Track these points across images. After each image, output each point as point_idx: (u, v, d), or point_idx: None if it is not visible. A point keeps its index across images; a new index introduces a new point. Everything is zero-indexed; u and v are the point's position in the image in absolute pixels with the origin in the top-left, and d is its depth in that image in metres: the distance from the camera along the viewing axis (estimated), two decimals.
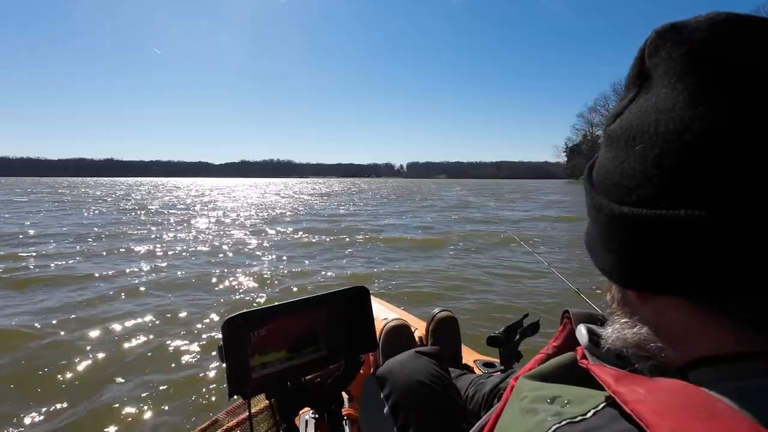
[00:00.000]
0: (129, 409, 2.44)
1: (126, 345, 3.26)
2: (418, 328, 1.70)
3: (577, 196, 27.00)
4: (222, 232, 9.43)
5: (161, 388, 2.65)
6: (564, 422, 0.33)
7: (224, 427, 1.10)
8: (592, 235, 0.38)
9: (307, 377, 0.89)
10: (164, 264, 6.04)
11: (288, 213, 14.28)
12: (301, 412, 0.94)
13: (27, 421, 2.33)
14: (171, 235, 8.99)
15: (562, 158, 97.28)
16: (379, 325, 1.27)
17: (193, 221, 11.50)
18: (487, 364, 1.50)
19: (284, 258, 6.57)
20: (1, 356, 3.03)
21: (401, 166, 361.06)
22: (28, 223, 10.69)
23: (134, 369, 2.90)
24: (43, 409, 2.42)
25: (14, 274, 5.28)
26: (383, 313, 1.47)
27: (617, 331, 0.37)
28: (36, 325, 3.62)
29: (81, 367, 2.92)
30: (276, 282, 5.12)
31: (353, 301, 0.93)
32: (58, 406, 2.46)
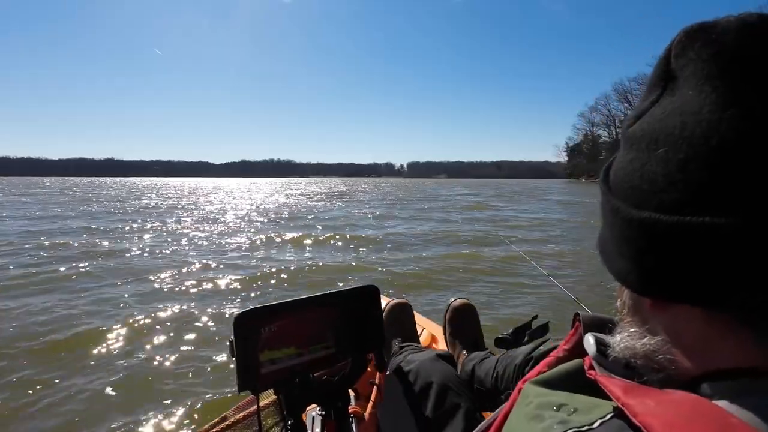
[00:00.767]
0: (139, 405, 2.46)
1: (136, 341, 3.30)
2: (426, 327, 1.71)
3: (581, 196, 26.99)
4: (233, 231, 9.47)
5: (171, 383, 2.68)
6: (570, 431, 0.33)
7: (231, 420, 1.11)
8: (606, 238, 0.37)
9: (314, 374, 0.89)
10: (177, 261, 6.12)
11: (297, 215, 14.22)
12: (308, 408, 0.95)
13: (40, 416, 2.35)
14: (185, 234, 9.05)
15: (563, 158, 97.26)
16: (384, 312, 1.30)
17: (206, 222, 11.48)
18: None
19: (295, 257, 6.58)
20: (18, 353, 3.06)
21: (402, 165, 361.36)
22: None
23: (144, 364, 2.93)
24: (50, 406, 2.44)
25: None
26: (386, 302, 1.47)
27: (626, 340, 0.37)
28: (41, 320, 3.63)
29: (91, 361, 2.95)
30: (287, 280, 5.17)
31: (363, 300, 0.94)
32: (67, 401, 2.48)
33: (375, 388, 1.48)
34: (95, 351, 3.14)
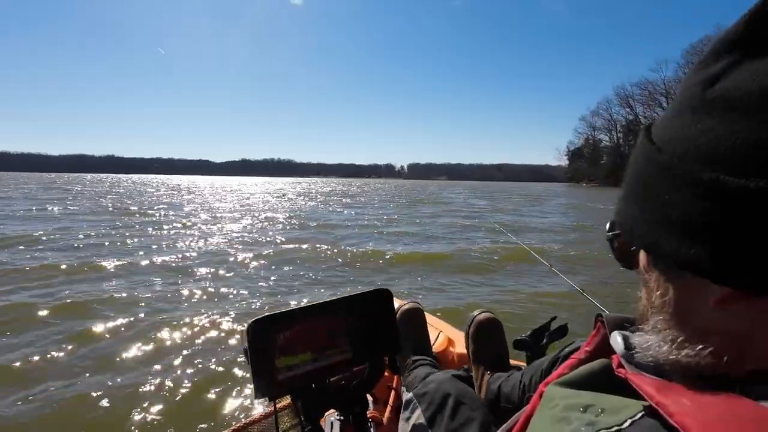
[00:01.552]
0: (156, 413, 2.44)
1: (151, 348, 3.27)
2: (442, 330, 1.69)
3: (584, 200, 26.87)
4: (245, 236, 9.33)
5: (188, 392, 2.66)
6: None
7: (247, 421, 1.13)
8: (656, 216, 0.32)
9: (331, 379, 0.89)
10: (186, 266, 6.05)
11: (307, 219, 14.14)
12: (326, 413, 0.96)
13: (54, 417, 2.35)
14: (195, 238, 8.90)
15: (564, 161, 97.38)
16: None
17: (224, 224, 11.30)
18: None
19: (306, 264, 6.49)
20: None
21: (402, 167, 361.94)
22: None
23: (160, 373, 2.90)
24: (67, 410, 2.43)
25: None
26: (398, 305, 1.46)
27: (663, 347, 0.34)
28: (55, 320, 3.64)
29: (106, 368, 2.93)
30: (299, 286, 5.13)
31: (376, 304, 0.93)
32: (83, 407, 2.47)
33: (393, 392, 1.46)
34: (108, 355, 3.13)
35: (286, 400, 1.10)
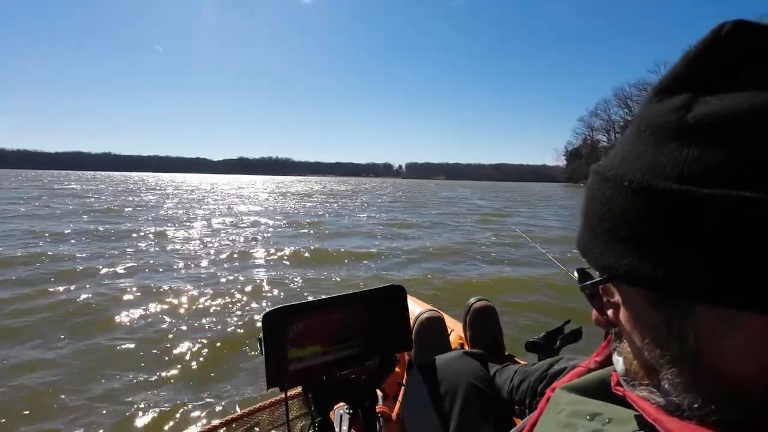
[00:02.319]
0: (168, 399, 2.52)
1: (166, 337, 3.37)
2: (454, 329, 1.68)
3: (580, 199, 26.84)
4: (256, 233, 9.37)
5: (200, 380, 2.76)
6: None
7: (257, 406, 1.14)
8: (666, 253, 0.29)
9: (342, 373, 0.90)
10: (202, 259, 6.15)
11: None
12: (336, 406, 0.95)
13: (68, 408, 2.40)
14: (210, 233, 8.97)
15: (562, 162, 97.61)
16: (412, 320, 1.26)
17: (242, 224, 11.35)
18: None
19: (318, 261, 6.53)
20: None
21: (400, 166, 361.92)
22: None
23: (173, 361, 3.00)
24: (77, 400, 2.48)
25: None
26: (417, 309, 1.44)
27: (694, 411, 0.30)
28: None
29: (119, 357, 3.03)
30: (313, 281, 5.21)
31: (389, 300, 0.94)
32: (96, 395, 2.56)
33: (403, 388, 1.45)
34: (123, 345, 3.19)
35: (297, 391, 1.11)
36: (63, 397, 2.53)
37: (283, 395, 0.84)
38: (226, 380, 2.74)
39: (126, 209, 13.64)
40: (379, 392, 1.01)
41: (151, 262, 5.88)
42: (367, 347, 0.91)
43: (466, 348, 1.49)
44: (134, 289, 4.55)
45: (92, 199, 17.27)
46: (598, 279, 0.36)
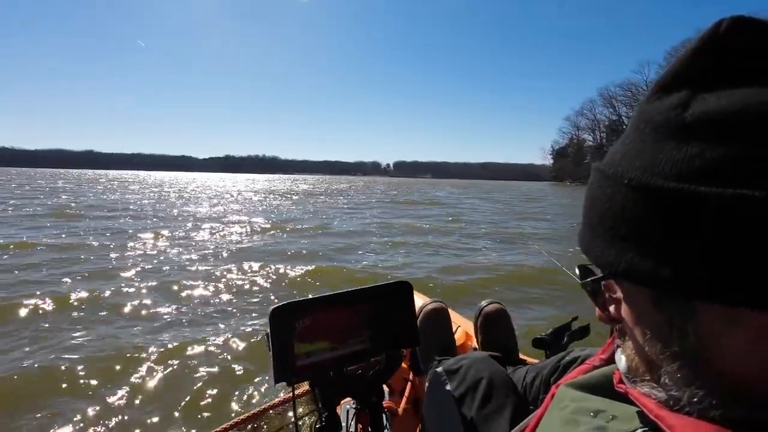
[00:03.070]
0: (176, 398, 2.52)
1: (175, 335, 3.37)
2: (461, 325, 1.67)
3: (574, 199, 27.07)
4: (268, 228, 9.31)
5: (209, 377, 2.77)
6: None
7: (266, 405, 1.15)
8: (667, 250, 0.29)
9: (349, 368, 0.90)
10: (210, 256, 6.15)
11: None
12: (342, 402, 0.96)
13: (83, 410, 2.39)
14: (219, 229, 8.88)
15: (548, 161, 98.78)
16: (417, 312, 1.28)
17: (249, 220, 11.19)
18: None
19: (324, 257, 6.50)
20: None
21: (388, 164, 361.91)
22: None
23: (182, 359, 3.00)
24: (86, 399, 2.50)
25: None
26: (422, 302, 1.44)
27: (693, 407, 0.30)
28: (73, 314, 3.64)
29: (126, 356, 3.00)
30: (319, 276, 5.25)
31: (396, 296, 0.94)
32: (103, 394, 2.55)
33: (409, 384, 1.46)
34: (128, 343, 3.20)
35: (304, 387, 1.11)
36: (67, 399, 2.51)
37: (290, 392, 0.85)
38: (234, 380, 2.76)
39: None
40: (385, 387, 1.01)
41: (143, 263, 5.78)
42: (374, 343, 0.92)
43: (475, 346, 1.49)
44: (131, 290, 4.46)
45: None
46: (599, 276, 0.37)
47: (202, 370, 2.85)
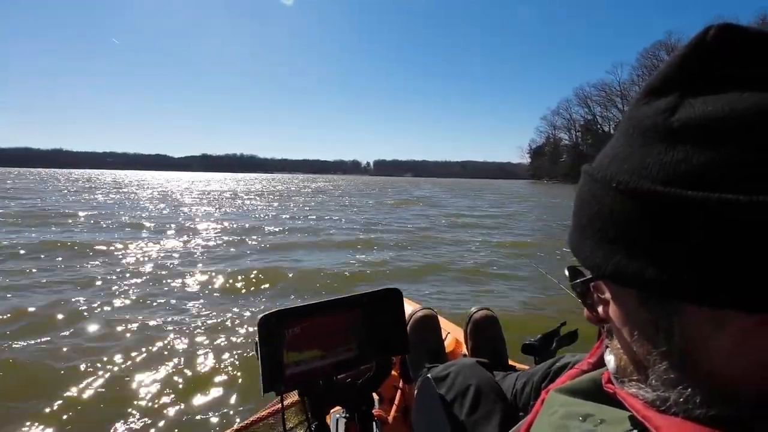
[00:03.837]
0: (166, 408, 2.47)
1: (161, 344, 3.30)
2: (450, 331, 1.67)
3: (544, 197, 27.49)
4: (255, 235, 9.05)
5: (197, 386, 2.74)
6: None
7: (256, 417, 1.14)
8: (654, 252, 0.29)
9: (338, 377, 0.89)
10: (197, 261, 6.05)
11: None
12: (332, 411, 0.95)
13: (70, 414, 2.38)
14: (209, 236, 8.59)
15: (526, 159, 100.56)
16: (407, 319, 1.26)
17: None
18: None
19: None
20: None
21: (368, 163, 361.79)
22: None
23: (170, 368, 2.95)
24: (73, 406, 2.45)
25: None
26: (411, 308, 1.43)
27: (679, 406, 0.30)
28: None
29: (114, 366, 2.94)
30: (310, 282, 5.20)
31: (386, 303, 0.94)
32: (91, 403, 2.51)
33: (399, 392, 1.45)
34: (116, 351, 3.13)
35: (293, 397, 1.10)
36: (39, 402, 2.46)
37: (279, 401, 0.84)
38: (220, 391, 2.71)
39: None
40: (375, 396, 1.02)
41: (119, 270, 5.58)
42: (364, 350, 0.91)
43: (465, 352, 1.49)
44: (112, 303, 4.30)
45: None
46: (588, 278, 0.38)
47: (187, 382, 2.79)
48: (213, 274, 5.36)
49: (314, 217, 13.16)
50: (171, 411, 2.46)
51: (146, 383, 2.76)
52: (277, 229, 9.91)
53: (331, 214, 14.02)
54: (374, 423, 0.95)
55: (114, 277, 5.03)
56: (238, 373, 2.91)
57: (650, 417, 0.30)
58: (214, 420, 2.40)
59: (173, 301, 4.34)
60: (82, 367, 2.90)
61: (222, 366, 3.01)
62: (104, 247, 6.78)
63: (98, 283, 4.82)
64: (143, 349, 3.21)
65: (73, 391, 2.64)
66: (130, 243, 7.30)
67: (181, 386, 2.74)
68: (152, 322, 3.74)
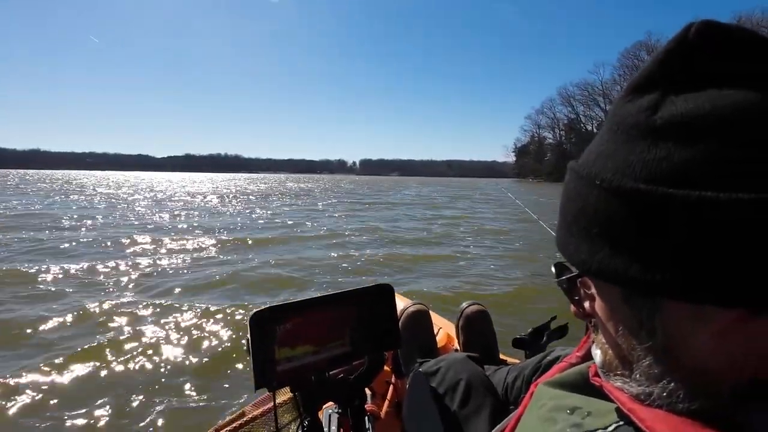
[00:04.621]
0: (156, 402, 2.48)
1: (152, 339, 3.30)
2: (442, 326, 1.68)
3: (527, 195, 27.70)
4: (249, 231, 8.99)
5: (189, 381, 2.73)
6: None
7: (249, 417, 1.13)
8: (637, 249, 0.29)
9: (330, 372, 0.90)
10: (189, 260, 5.98)
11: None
12: (324, 406, 0.96)
13: (63, 418, 2.34)
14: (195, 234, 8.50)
15: (511, 158, 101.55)
16: (399, 314, 1.28)
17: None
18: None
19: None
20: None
21: (354, 162, 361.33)
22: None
23: (161, 364, 2.95)
24: (67, 406, 2.45)
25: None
26: (403, 304, 1.44)
27: (663, 399, 0.31)
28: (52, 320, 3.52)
29: (106, 363, 2.93)
30: (300, 279, 5.21)
31: (378, 299, 0.94)
32: (86, 402, 2.48)
33: (391, 387, 1.45)
34: (109, 350, 3.11)
35: (285, 393, 1.10)
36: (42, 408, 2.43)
37: (271, 397, 0.84)
38: (212, 387, 2.70)
39: None
40: (367, 391, 1.02)
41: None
42: (356, 346, 0.92)
43: (457, 347, 1.50)
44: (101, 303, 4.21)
45: None
46: (573, 274, 0.39)
47: (178, 379, 2.77)
48: (202, 273, 5.32)
49: (303, 216, 13.11)
50: (162, 407, 2.45)
51: (137, 380, 2.75)
52: (261, 227, 9.86)
53: (318, 215, 13.96)
54: (366, 418, 0.96)
55: (95, 278, 4.94)
56: (229, 371, 2.90)
57: (635, 410, 0.30)
58: (206, 417, 2.39)
59: (161, 300, 4.29)
60: (73, 364, 2.89)
61: (213, 363, 3.01)
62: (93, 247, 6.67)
63: (85, 281, 4.77)
64: (132, 346, 3.18)
65: (62, 388, 2.63)
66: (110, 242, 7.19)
67: (172, 383, 2.72)
68: (141, 320, 3.70)
